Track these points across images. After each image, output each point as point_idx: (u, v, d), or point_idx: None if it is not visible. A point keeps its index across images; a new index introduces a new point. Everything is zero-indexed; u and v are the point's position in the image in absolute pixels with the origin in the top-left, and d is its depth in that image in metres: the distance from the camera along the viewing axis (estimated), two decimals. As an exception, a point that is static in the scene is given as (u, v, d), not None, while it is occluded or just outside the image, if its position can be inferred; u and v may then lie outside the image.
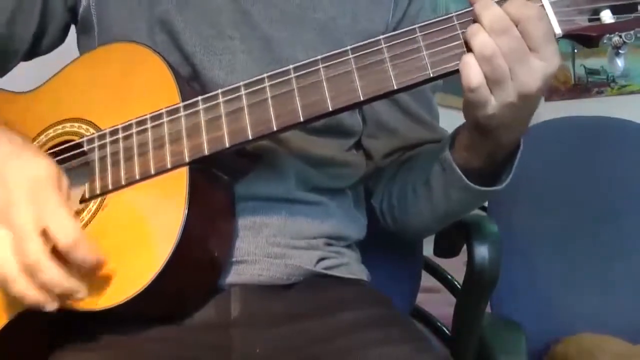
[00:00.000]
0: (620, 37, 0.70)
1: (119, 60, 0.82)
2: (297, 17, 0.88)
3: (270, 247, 0.83)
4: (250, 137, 0.73)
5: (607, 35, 0.70)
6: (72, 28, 0.95)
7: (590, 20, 0.71)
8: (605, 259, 1.38)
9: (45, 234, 0.67)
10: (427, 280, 1.32)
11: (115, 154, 0.77)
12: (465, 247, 1.08)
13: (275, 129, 0.73)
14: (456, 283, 1.34)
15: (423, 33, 0.72)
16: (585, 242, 1.39)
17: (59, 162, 0.80)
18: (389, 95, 0.73)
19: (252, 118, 0.73)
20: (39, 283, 0.67)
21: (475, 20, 0.70)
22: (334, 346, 0.77)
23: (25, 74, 0.94)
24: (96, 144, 0.79)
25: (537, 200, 1.41)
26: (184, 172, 0.74)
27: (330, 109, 0.72)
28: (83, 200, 0.77)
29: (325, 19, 0.89)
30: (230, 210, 0.81)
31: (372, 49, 0.72)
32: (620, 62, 0.72)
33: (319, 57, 0.73)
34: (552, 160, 1.45)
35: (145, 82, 0.79)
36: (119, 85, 0.81)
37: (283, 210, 0.85)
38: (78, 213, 0.77)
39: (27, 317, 0.74)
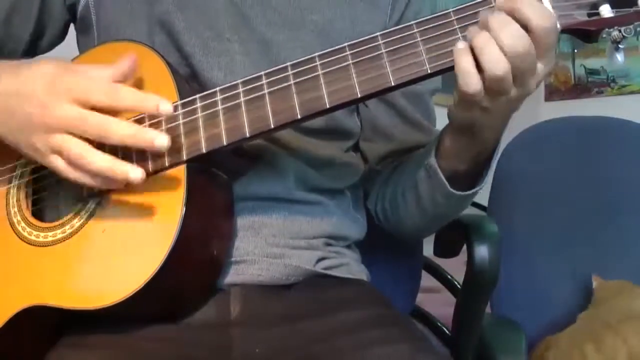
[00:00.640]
0: (620, 31, 0.70)
1: (117, 58, 0.82)
2: (295, 20, 0.88)
3: (269, 247, 0.83)
4: (247, 135, 0.73)
5: (607, 29, 0.70)
6: (72, 27, 0.95)
7: (589, 14, 0.70)
8: (606, 259, 1.38)
9: (85, 104, 0.70)
10: (427, 280, 1.32)
11: (113, 152, 0.77)
12: (465, 247, 1.08)
13: (272, 126, 0.73)
14: (456, 283, 1.34)
15: (420, 29, 0.72)
16: (585, 242, 1.39)
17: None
18: (386, 91, 0.72)
19: (249, 115, 0.73)
20: (116, 142, 0.71)
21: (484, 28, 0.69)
22: (334, 346, 0.77)
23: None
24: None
25: (537, 200, 1.41)
26: (182, 170, 0.74)
27: (328, 106, 0.72)
28: (81, 199, 0.77)
29: (323, 21, 0.89)
30: (229, 209, 0.81)
31: (370, 45, 0.72)
32: (619, 57, 0.72)
33: (316, 54, 0.73)
34: (552, 160, 1.45)
35: (143, 81, 0.79)
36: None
37: (283, 210, 0.85)
38: (76, 212, 0.77)
39: (26, 316, 0.74)
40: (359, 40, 0.73)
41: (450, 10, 0.72)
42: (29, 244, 0.78)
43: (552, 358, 1.21)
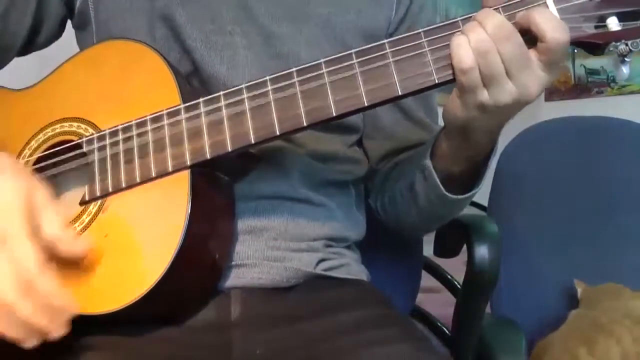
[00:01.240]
0: (627, 45, 0.69)
1: (117, 57, 0.82)
2: (299, 13, 0.88)
3: (270, 250, 0.83)
4: (252, 142, 0.73)
5: (614, 42, 0.70)
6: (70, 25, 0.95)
7: (596, 27, 0.70)
8: (606, 259, 1.38)
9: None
10: (427, 280, 1.32)
11: (115, 155, 0.77)
12: (465, 247, 1.08)
13: (278, 133, 0.72)
14: (456, 283, 1.34)
15: (429, 38, 0.71)
16: (585, 241, 1.39)
17: (58, 163, 0.80)
18: (393, 100, 0.72)
19: (254, 122, 0.73)
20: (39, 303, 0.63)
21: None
22: (334, 347, 0.77)
23: (25, 70, 0.93)
24: (96, 145, 0.78)
25: (537, 200, 1.41)
26: (185, 174, 0.73)
27: (334, 114, 0.71)
28: (83, 203, 0.77)
29: (327, 14, 0.89)
30: (231, 211, 0.81)
31: (377, 54, 0.71)
32: (625, 70, 0.71)
33: (322, 60, 0.73)
34: (552, 160, 1.45)
35: (144, 81, 0.78)
36: (118, 84, 0.80)
37: (285, 212, 0.85)
38: (78, 216, 0.77)
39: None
40: (366, 47, 0.72)
41: (459, 19, 0.71)
42: None
43: None
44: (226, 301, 0.80)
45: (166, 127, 0.75)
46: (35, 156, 0.82)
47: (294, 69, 0.73)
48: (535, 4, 0.70)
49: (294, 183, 0.86)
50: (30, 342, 0.65)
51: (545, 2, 0.70)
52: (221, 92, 0.75)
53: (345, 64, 0.72)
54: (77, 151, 0.79)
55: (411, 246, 1.21)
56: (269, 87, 0.73)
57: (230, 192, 0.81)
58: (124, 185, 0.75)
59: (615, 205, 1.43)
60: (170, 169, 0.73)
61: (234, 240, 0.81)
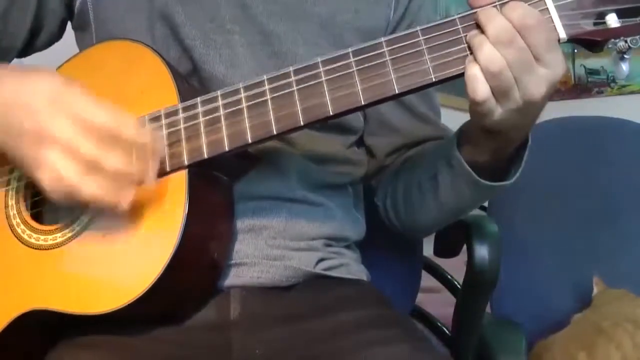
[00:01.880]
0: (626, 41, 0.69)
1: (116, 58, 0.82)
2: (298, 11, 0.88)
3: (269, 249, 0.83)
4: (250, 141, 0.73)
5: (613, 40, 0.70)
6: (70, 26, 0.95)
7: (595, 24, 0.70)
8: (606, 259, 1.38)
9: (88, 129, 0.67)
10: (427, 280, 1.32)
11: None
12: (465, 247, 1.08)
13: (275, 132, 0.72)
14: (456, 283, 1.34)
15: (425, 37, 0.71)
16: (585, 241, 1.39)
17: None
18: (390, 99, 0.72)
19: (251, 121, 0.73)
20: (109, 174, 0.67)
21: (479, 28, 0.69)
22: (334, 346, 0.77)
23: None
24: None
25: (537, 200, 1.41)
26: (183, 174, 0.73)
27: (331, 113, 0.71)
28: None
29: (325, 13, 0.89)
30: (230, 211, 0.81)
31: (374, 52, 0.71)
32: (625, 67, 0.71)
33: (319, 59, 0.73)
34: (552, 160, 1.45)
35: (143, 81, 0.78)
36: (117, 84, 0.80)
37: (284, 212, 0.85)
38: (76, 217, 0.77)
39: (27, 320, 0.74)
40: (363, 46, 0.72)
41: (456, 17, 0.71)
42: (29, 247, 0.77)
43: None
44: (226, 300, 0.80)
45: (164, 127, 0.75)
46: None
47: (291, 68, 0.73)
48: (534, 1, 0.70)
49: (292, 184, 0.86)
50: (127, 197, 0.69)
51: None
52: (218, 92, 0.75)
53: (342, 62, 0.72)
54: None
55: (411, 246, 1.21)
56: (266, 87, 0.73)
57: (229, 192, 0.80)
58: None
59: (615, 205, 1.43)
60: (168, 169, 0.73)
61: (233, 240, 0.81)
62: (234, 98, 0.74)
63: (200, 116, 0.74)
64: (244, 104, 0.73)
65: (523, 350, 1.14)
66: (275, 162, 0.85)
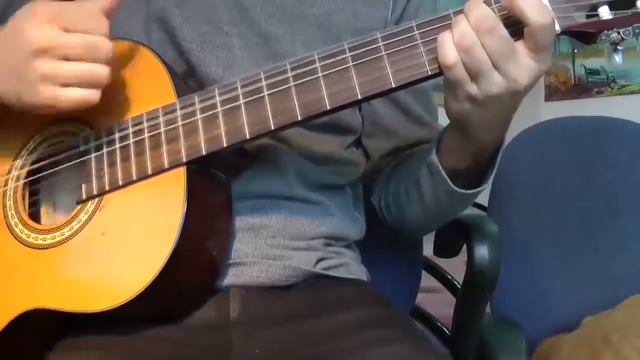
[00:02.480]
0: (619, 33, 0.70)
1: (113, 58, 0.82)
2: (295, 13, 0.88)
3: (269, 248, 0.83)
4: (247, 137, 0.73)
5: (605, 31, 0.70)
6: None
7: (588, 16, 0.71)
8: (606, 259, 1.38)
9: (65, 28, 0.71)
10: (427, 280, 1.32)
11: (111, 153, 0.77)
12: (465, 247, 1.08)
13: (272, 127, 0.73)
14: (456, 283, 1.34)
15: (421, 30, 0.72)
16: (586, 242, 1.39)
17: (55, 163, 0.80)
18: (387, 93, 0.72)
19: (249, 117, 0.73)
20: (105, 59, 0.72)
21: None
22: (334, 346, 0.77)
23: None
24: (92, 144, 0.78)
25: (537, 200, 1.41)
26: (181, 171, 0.73)
27: (328, 108, 0.72)
28: (80, 201, 0.77)
29: (323, 14, 0.89)
30: (228, 209, 0.81)
31: (370, 47, 0.72)
32: (618, 58, 0.72)
33: (315, 54, 0.73)
34: (552, 160, 1.45)
35: (140, 80, 0.78)
36: (114, 84, 0.80)
37: (283, 210, 0.85)
38: (75, 215, 0.77)
39: (26, 319, 0.74)
40: (359, 40, 0.73)
41: (451, 11, 0.72)
42: (27, 246, 0.77)
43: None
44: (225, 300, 0.80)
45: (162, 125, 0.75)
46: (32, 157, 0.82)
47: (287, 64, 0.73)
48: None
49: (290, 183, 0.86)
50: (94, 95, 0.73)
51: None
52: (215, 87, 0.75)
53: (339, 57, 0.72)
54: (74, 150, 0.79)
55: (411, 246, 1.21)
56: (263, 82, 0.73)
57: (228, 190, 0.81)
58: (120, 183, 0.76)
59: (615, 205, 1.43)
60: (166, 166, 0.74)
61: (232, 238, 0.81)
62: (232, 94, 0.74)
63: (198, 113, 0.74)
64: (241, 100, 0.74)
65: (523, 350, 1.13)
66: (273, 161, 0.85)
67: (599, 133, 1.51)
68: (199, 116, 0.74)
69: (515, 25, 0.70)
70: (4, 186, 0.82)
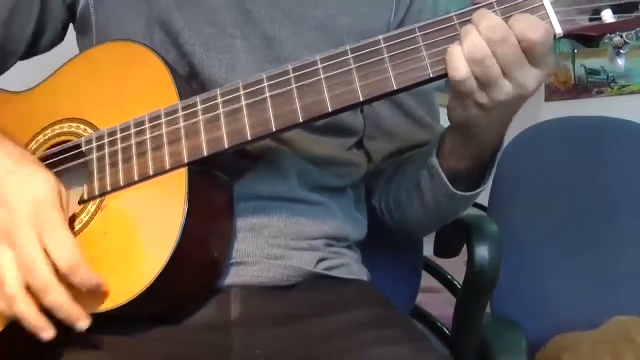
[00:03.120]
0: (621, 36, 0.70)
1: (116, 59, 0.82)
2: (298, 16, 0.88)
3: (270, 248, 0.83)
4: (249, 138, 0.73)
5: (608, 35, 0.70)
6: (72, 27, 0.95)
7: (591, 19, 0.71)
8: (606, 259, 1.38)
9: (46, 253, 0.67)
10: (427, 280, 1.32)
11: (113, 154, 0.77)
12: (465, 247, 1.08)
13: (274, 129, 0.73)
14: (456, 283, 1.34)
15: (422, 33, 0.72)
16: (586, 241, 1.39)
17: (57, 163, 0.80)
18: (389, 95, 0.73)
19: (250, 118, 0.73)
20: (44, 304, 0.67)
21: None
22: (334, 346, 0.77)
23: (24, 73, 0.93)
24: (94, 144, 0.78)
25: (537, 200, 1.41)
26: (182, 172, 0.74)
27: (330, 110, 0.72)
28: (81, 202, 0.77)
29: (325, 17, 0.89)
30: (229, 210, 0.81)
31: (372, 49, 0.72)
32: (621, 62, 0.72)
33: (317, 57, 0.73)
34: (552, 160, 1.45)
35: (143, 82, 0.78)
36: (117, 85, 0.80)
37: (284, 211, 0.85)
38: (77, 215, 0.77)
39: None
40: (361, 43, 0.73)
41: (453, 14, 0.72)
42: None
43: None
44: (226, 300, 0.80)
45: (164, 126, 0.75)
46: (35, 157, 0.82)
47: (289, 66, 0.73)
48: None
49: (292, 184, 0.86)
50: (50, 331, 0.68)
51: None
52: (218, 90, 0.75)
53: (341, 59, 0.72)
54: (76, 151, 0.80)
55: (411, 246, 1.21)
56: (265, 84, 0.73)
57: (229, 191, 0.81)
58: (122, 183, 0.76)
59: (615, 205, 1.43)
60: (167, 167, 0.74)
61: (233, 238, 0.81)
62: (233, 96, 0.74)
63: (200, 114, 0.74)
64: (243, 102, 0.74)
65: (523, 350, 1.14)
66: (275, 163, 0.85)
67: (599, 133, 1.51)
68: (200, 117, 0.74)
69: None
70: None
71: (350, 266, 0.91)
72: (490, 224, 1.08)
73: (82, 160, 0.79)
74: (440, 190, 0.85)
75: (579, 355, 1.17)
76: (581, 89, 3.41)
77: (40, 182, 0.70)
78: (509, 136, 1.39)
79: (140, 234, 0.73)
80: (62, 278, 0.68)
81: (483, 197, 1.20)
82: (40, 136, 0.83)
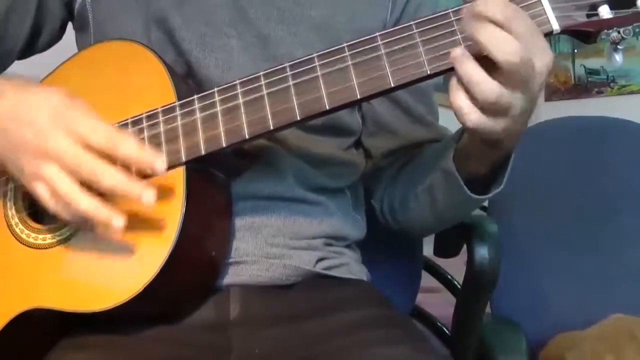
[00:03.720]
0: (619, 32, 0.70)
1: (114, 58, 0.82)
2: (294, 15, 0.88)
3: (269, 247, 0.83)
4: (247, 136, 0.73)
5: (606, 30, 0.70)
6: (70, 25, 0.95)
7: (588, 15, 0.70)
8: (605, 259, 1.38)
9: (87, 147, 0.69)
10: (427, 280, 1.32)
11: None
12: (465, 247, 1.08)
13: (271, 127, 0.73)
14: (456, 283, 1.34)
15: (420, 29, 0.71)
16: (585, 241, 1.39)
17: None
18: (386, 92, 0.72)
19: (248, 117, 0.73)
20: (105, 189, 0.68)
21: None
22: (333, 346, 0.77)
23: (22, 72, 0.93)
24: None
25: (537, 200, 1.41)
26: (180, 171, 0.74)
27: (327, 107, 0.72)
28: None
29: (321, 16, 0.89)
30: (228, 210, 0.81)
31: (369, 46, 0.72)
32: (618, 57, 0.72)
33: (314, 54, 0.73)
34: (552, 160, 1.45)
35: (140, 81, 0.78)
36: (114, 84, 0.80)
37: (283, 210, 0.85)
38: None
39: (26, 319, 0.74)
40: (358, 40, 0.72)
41: (450, 10, 0.71)
42: (27, 246, 0.77)
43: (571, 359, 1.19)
44: (225, 299, 0.80)
45: (161, 124, 0.75)
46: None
47: (287, 64, 0.73)
48: None
49: (289, 185, 0.86)
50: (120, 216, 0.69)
51: None
52: (215, 89, 0.75)
53: (338, 57, 0.72)
54: None
55: (411, 246, 1.21)
56: (262, 82, 0.73)
57: (227, 190, 0.81)
58: None
59: (615, 205, 1.43)
60: (165, 165, 0.73)
61: (232, 238, 0.81)
62: (231, 94, 0.74)
63: (198, 112, 0.74)
64: (241, 100, 0.74)
65: (523, 350, 1.13)
66: (272, 163, 0.85)
67: (599, 133, 1.51)
68: (198, 116, 0.74)
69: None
70: (5, 186, 0.82)
71: (349, 266, 0.91)
72: (490, 224, 1.08)
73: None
74: (456, 194, 0.83)
75: (582, 353, 1.17)
76: (581, 89, 3.41)
77: (52, 93, 0.73)
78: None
79: (138, 234, 0.73)
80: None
81: (483, 197, 1.20)
82: None
